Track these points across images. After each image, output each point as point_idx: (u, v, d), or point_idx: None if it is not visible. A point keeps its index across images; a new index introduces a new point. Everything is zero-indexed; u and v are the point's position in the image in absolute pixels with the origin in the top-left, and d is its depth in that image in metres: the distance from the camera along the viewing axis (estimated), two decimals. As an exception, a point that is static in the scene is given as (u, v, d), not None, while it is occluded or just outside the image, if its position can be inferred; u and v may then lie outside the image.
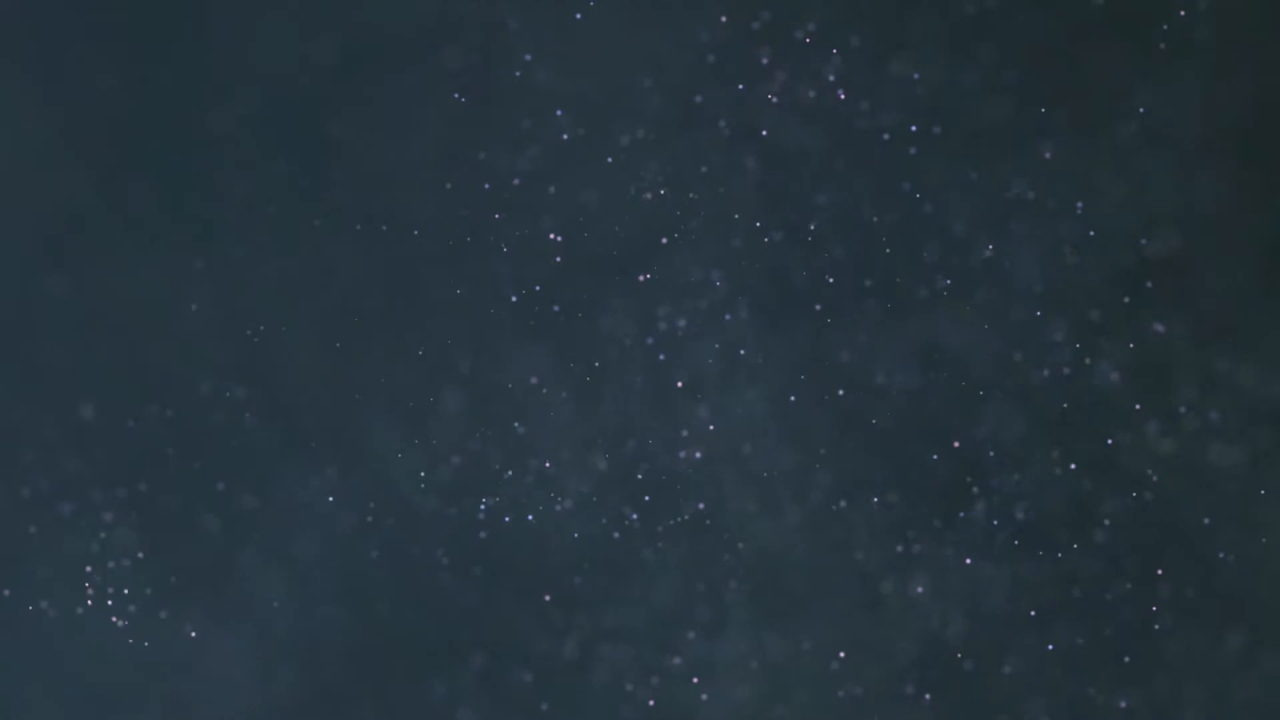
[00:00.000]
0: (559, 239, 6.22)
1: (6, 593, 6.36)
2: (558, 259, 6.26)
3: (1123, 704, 5.98)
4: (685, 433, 6.25)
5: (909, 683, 6.12)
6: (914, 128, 6.09)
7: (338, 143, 6.32)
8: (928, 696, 6.11)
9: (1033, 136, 6.02)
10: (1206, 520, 5.97)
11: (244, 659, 6.39)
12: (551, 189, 6.24)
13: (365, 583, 6.37)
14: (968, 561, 6.09)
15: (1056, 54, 5.98)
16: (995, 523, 6.09)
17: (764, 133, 6.17)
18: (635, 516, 6.27)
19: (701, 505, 6.24)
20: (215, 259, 6.35)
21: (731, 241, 6.21)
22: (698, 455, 6.25)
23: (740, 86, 6.16)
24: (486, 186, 6.25)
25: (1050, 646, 6.03)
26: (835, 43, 6.11)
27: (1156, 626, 5.99)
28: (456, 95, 6.18)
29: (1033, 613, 6.05)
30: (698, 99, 6.19)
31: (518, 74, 6.23)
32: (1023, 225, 6.04)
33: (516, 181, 6.22)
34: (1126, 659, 6.00)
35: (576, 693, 6.28)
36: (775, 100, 6.12)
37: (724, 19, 6.13)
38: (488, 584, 6.33)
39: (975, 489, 6.12)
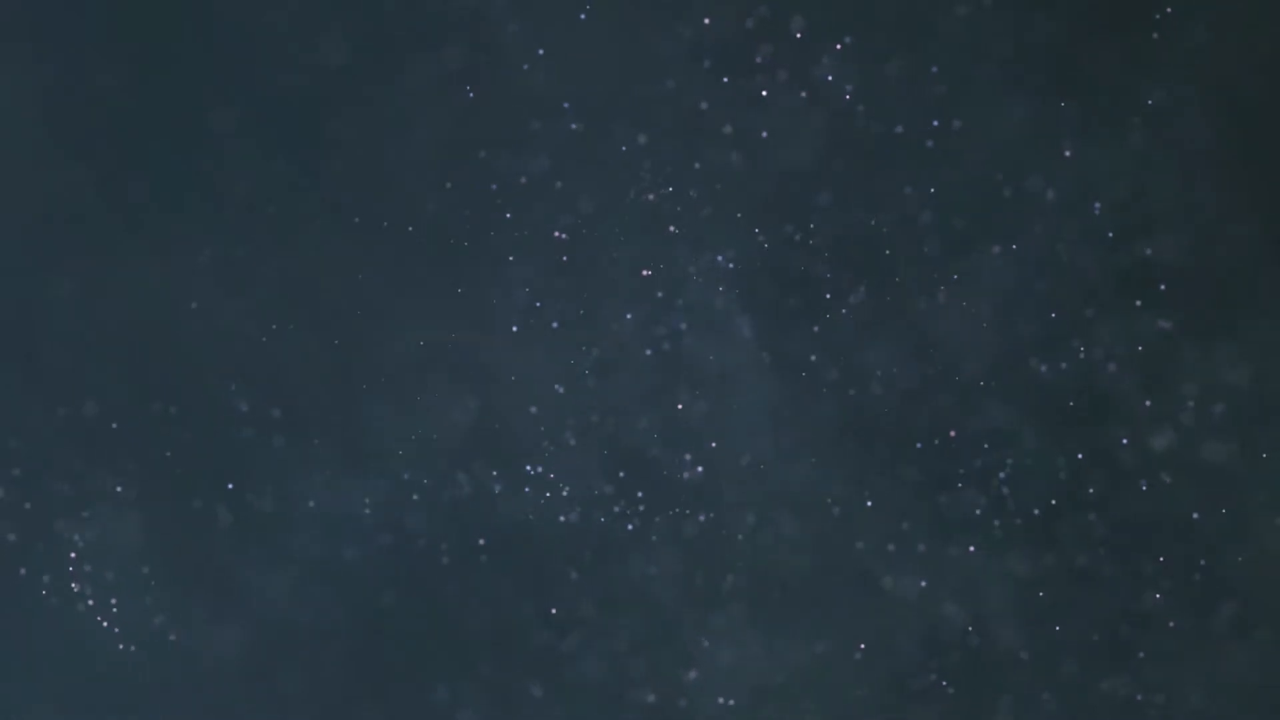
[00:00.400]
0: (563, 237, 6.23)
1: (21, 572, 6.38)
2: (564, 258, 6.27)
3: (1139, 697, 6.03)
4: (686, 428, 6.27)
5: (919, 674, 6.16)
6: (901, 128, 6.12)
7: (338, 142, 6.32)
8: (945, 683, 6.14)
9: (1044, 135, 6.05)
10: (1206, 514, 6.00)
11: (244, 658, 6.39)
12: (556, 187, 6.24)
13: (366, 581, 6.38)
14: (970, 549, 6.12)
15: (1063, 52, 6.01)
16: (984, 514, 6.12)
17: (764, 134, 6.19)
18: (642, 508, 6.28)
19: (702, 500, 6.26)
20: (217, 258, 6.35)
21: (733, 239, 6.23)
22: (699, 451, 6.27)
23: (741, 86, 6.18)
24: (494, 187, 6.26)
25: (1057, 628, 6.07)
26: (837, 41, 6.14)
27: (1171, 624, 6.03)
28: (468, 89, 6.18)
29: (1041, 593, 6.09)
30: (700, 101, 6.20)
31: (521, 73, 6.24)
32: (1023, 222, 6.08)
33: (523, 180, 6.23)
34: (1140, 653, 6.05)
35: (580, 693, 6.30)
36: (778, 99, 6.14)
37: (721, 18, 6.14)
38: (489, 580, 6.34)
39: (978, 484, 6.14)
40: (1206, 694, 6.02)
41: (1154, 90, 5.94)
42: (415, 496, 6.37)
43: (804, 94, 6.14)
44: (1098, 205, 5.93)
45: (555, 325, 6.29)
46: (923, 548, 6.13)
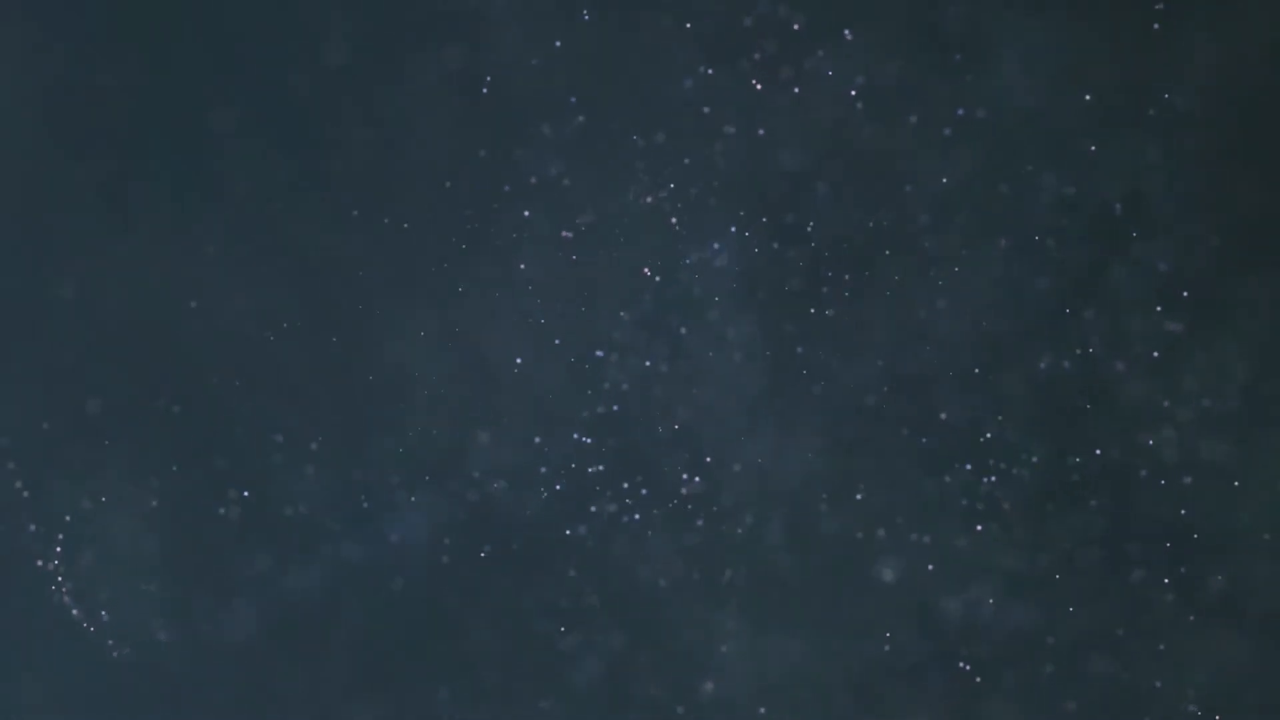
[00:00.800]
0: (569, 235, 6.25)
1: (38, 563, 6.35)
2: (572, 257, 6.29)
3: (1158, 684, 6.09)
4: (687, 424, 6.31)
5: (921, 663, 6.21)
6: (901, 128, 6.17)
7: (342, 142, 6.32)
8: (947, 673, 6.20)
9: (1052, 131, 6.11)
10: (1208, 507, 6.07)
11: (244, 657, 6.38)
12: (562, 187, 6.26)
13: (366, 578, 6.39)
14: (972, 542, 6.16)
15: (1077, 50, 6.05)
16: (986, 507, 6.17)
17: (760, 131, 6.21)
18: (642, 497, 6.29)
19: (702, 496, 6.28)
20: (223, 257, 6.35)
21: (735, 237, 6.25)
22: (700, 448, 6.30)
23: (744, 83, 6.22)
24: (506, 188, 6.27)
25: (1058, 620, 6.12)
26: (840, 36, 6.17)
27: (1169, 611, 6.10)
28: (485, 82, 6.17)
29: (1057, 576, 6.14)
30: (704, 98, 6.22)
31: (526, 73, 6.25)
32: (1026, 218, 6.13)
33: (534, 180, 6.24)
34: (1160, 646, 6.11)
35: (581, 689, 6.33)
36: (784, 96, 6.17)
37: (723, 14, 6.17)
38: (489, 577, 6.35)
39: (978, 477, 6.19)
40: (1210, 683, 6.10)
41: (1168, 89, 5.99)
42: (413, 498, 6.37)
43: (811, 89, 6.17)
44: (1118, 206, 5.98)
45: (557, 323, 6.31)
46: (926, 540, 6.17)
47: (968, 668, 6.17)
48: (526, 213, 6.26)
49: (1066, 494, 6.12)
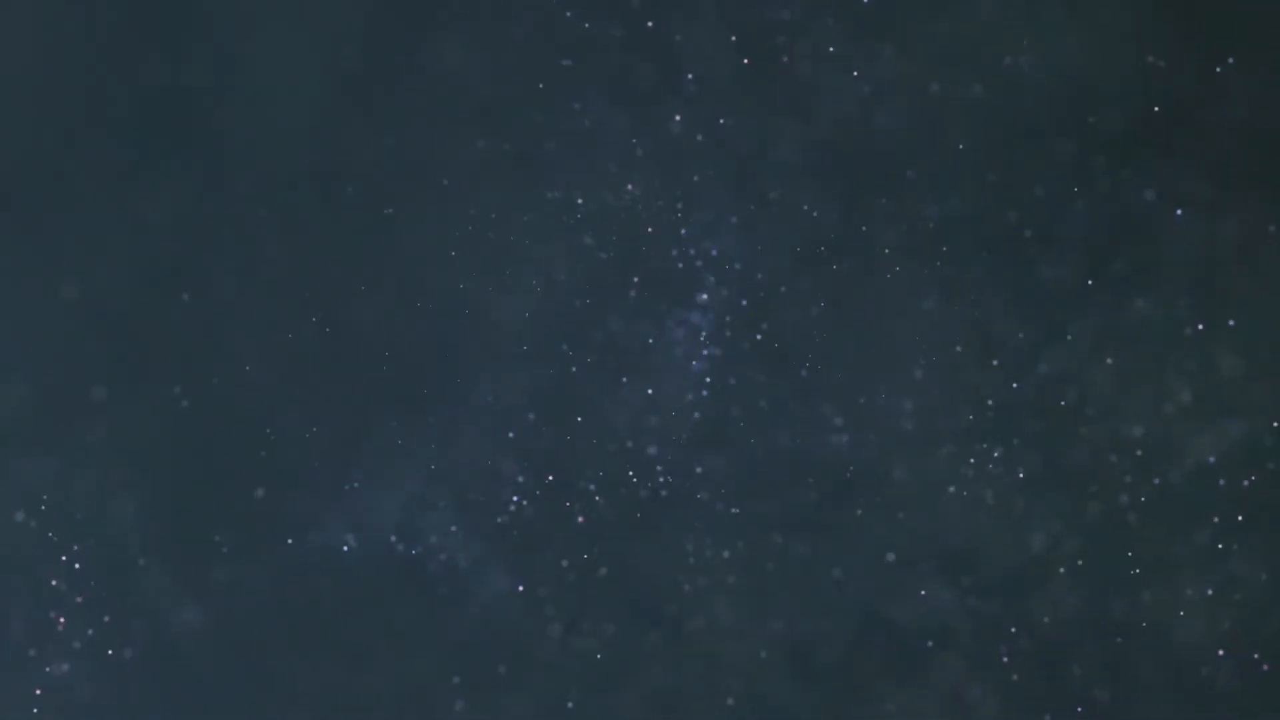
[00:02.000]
0: (590, 241, 6.26)
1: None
2: (575, 253, 6.29)
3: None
4: (689, 422, 6.34)
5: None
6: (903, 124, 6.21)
7: (349, 142, 6.31)
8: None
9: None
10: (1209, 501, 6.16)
11: (241, 653, 6.35)
12: (560, 186, 6.28)
13: (367, 576, 6.37)
14: (979, 519, 6.21)
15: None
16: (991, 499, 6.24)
17: (728, 121, 6.22)
18: (640, 486, 6.32)
19: (700, 496, 6.31)
20: (227, 254, 6.32)
21: (741, 234, 6.29)
22: (698, 448, 6.34)
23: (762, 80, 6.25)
24: (507, 189, 6.27)
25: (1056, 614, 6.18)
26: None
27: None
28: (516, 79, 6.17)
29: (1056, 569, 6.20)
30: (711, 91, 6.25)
31: (529, 71, 6.25)
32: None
33: (535, 177, 6.23)
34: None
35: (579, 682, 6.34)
36: (792, 91, 6.20)
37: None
38: (487, 575, 6.35)
39: (977, 471, 6.25)
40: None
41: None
42: (416, 494, 6.36)
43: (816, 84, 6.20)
44: (1149, 193, 6.01)
45: (559, 319, 6.32)
46: (924, 529, 6.23)
47: (969, 653, 6.24)
48: (529, 211, 6.26)
49: (1067, 488, 6.19)
